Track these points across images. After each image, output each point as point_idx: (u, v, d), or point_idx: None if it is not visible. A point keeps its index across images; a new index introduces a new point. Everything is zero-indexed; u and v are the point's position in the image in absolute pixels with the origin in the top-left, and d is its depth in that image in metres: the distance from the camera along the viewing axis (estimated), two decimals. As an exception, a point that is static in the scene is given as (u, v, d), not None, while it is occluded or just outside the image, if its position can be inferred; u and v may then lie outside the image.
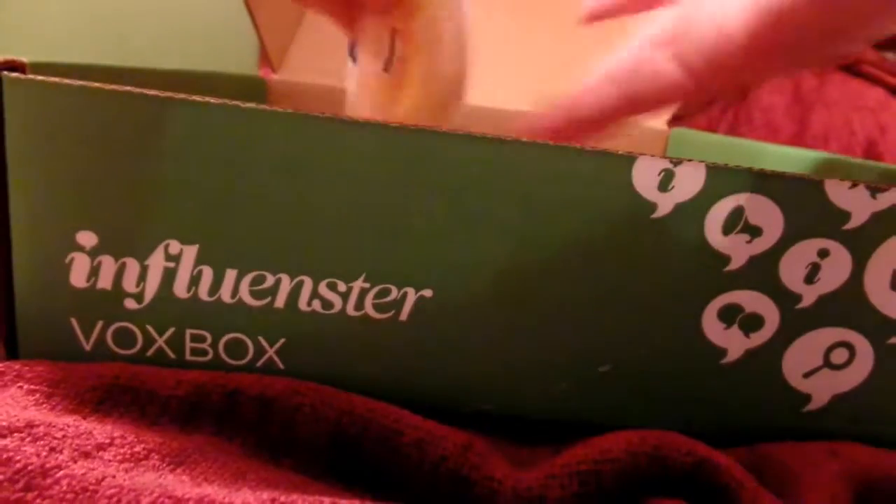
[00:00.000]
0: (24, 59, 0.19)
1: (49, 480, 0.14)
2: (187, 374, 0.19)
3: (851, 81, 0.59)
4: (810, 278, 0.20)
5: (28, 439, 0.15)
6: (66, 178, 0.18)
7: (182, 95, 0.18)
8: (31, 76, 0.18)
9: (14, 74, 0.17)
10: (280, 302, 0.20)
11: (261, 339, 0.20)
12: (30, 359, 0.19)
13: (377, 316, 0.20)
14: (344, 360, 0.20)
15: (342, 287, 0.20)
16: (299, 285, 0.20)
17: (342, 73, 0.39)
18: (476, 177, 0.19)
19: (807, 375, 0.21)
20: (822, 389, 0.21)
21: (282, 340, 0.20)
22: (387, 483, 0.19)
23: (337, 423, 0.19)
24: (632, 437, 0.18)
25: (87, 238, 0.19)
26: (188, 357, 0.20)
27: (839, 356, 0.21)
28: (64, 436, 0.16)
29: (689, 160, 0.19)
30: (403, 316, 0.20)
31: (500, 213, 0.19)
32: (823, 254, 0.20)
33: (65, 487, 0.14)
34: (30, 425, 0.16)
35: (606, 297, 0.20)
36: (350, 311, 0.20)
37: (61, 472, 0.14)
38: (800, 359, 0.21)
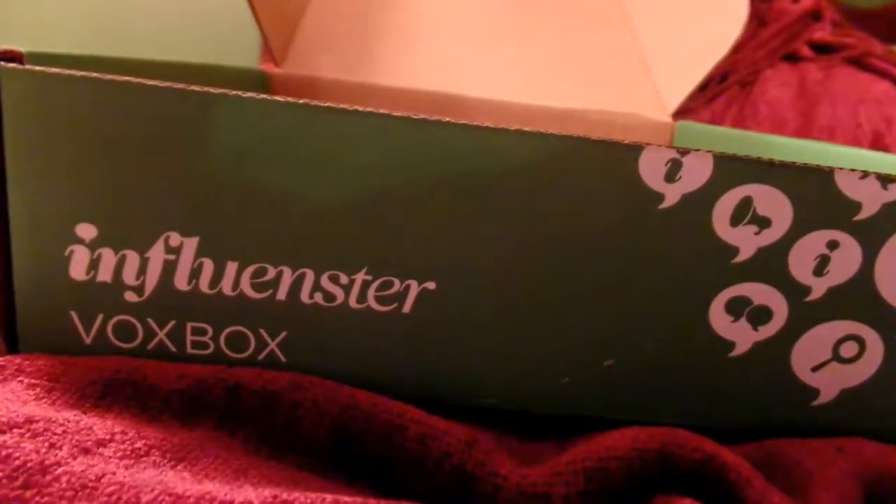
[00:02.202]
0: (22, 49, 0.19)
1: (48, 477, 0.14)
2: (189, 368, 0.19)
3: (858, 74, 0.58)
4: (819, 270, 0.20)
5: (27, 435, 0.15)
6: (65, 169, 0.18)
7: (182, 85, 0.18)
8: (28, 66, 0.17)
9: (11, 65, 0.17)
10: (282, 294, 0.19)
11: (262, 332, 0.20)
12: (30, 352, 0.19)
13: (380, 309, 0.20)
14: (346, 354, 0.20)
15: (344, 279, 0.19)
16: (301, 278, 0.19)
17: (347, 68, 0.39)
18: (479, 168, 0.19)
19: (815, 369, 0.21)
20: (831, 383, 0.21)
21: (283, 333, 0.20)
22: (389, 478, 0.18)
23: (339, 418, 0.18)
24: (638, 434, 0.18)
25: (86, 230, 0.18)
26: (189, 350, 0.20)
27: (848, 350, 0.21)
28: (64, 431, 0.15)
29: (697, 150, 0.19)
30: (406, 308, 0.20)
31: (503, 205, 0.19)
32: (833, 245, 0.20)
33: (64, 485, 0.14)
34: (29, 421, 0.15)
35: (611, 290, 0.20)
36: (352, 303, 0.20)
37: (61, 469, 0.14)
38: (808, 352, 0.21)
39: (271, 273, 0.19)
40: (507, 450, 0.19)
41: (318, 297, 0.20)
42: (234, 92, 0.18)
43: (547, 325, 0.20)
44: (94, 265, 0.19)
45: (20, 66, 0.17)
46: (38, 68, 0.17)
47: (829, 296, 0.20)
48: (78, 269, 0.19)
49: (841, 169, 0.19)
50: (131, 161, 0.18)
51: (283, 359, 0.20)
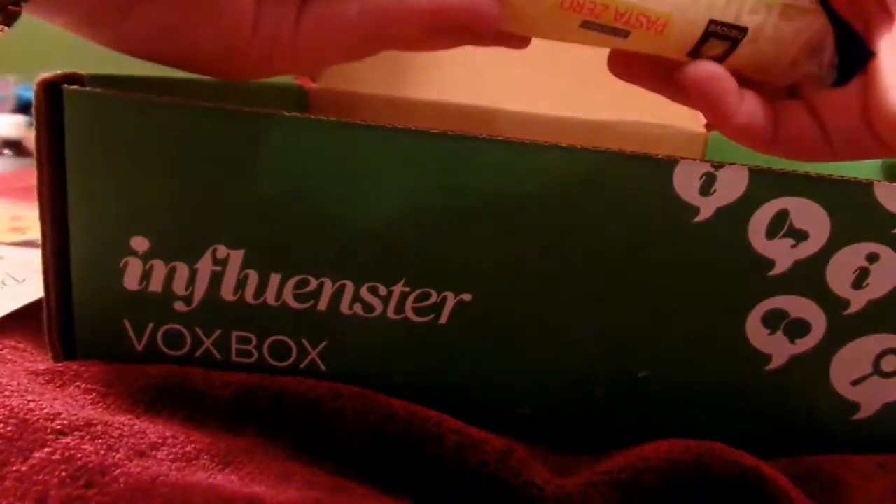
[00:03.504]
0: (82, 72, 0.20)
1: (108, 478, 0.15)
2: (234, 376, 0.20)
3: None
4: (859, 283, 0.20)
5: (87, 437, 0.16)
6: (121, 185, 0.19)
7: (231, 106, 0.18)
8: (89, 89, 0.18)
9: (73, 87, 0.18)
10: (323, 305, 0.20)
11: (304, 341, 0.21)
12: (86, 358, 0.20)
13: (417, 319, 0.20)
14: (384, 363, 0.21)
15: (383, 291, 0.20)
16: (341, 289, 0.20)
17: (380, 82, 0.40)
18: (516, 182, 0.19)
19: (855, 383, 0.21)
20: (872, 398, 0.21)
21: (324, 343, 0.21)
22: (427, 487, 0.19)
23: (378, 427, 0.19)
24: (674, 447, 0.18)
25: (139, 243, 0.19)
26: (234, 358, 0.21)
27: (890, 363, 0.21)
28: (120, 435, 0.16)
29: (731, 164, 0.19)
30: (443, 319, 0.20)
31: (540, 219, 0.19)
32: (873, 258, 0.20)
33: (122, 485, 0.15)
34: (88, 424, 0.16)
35: (646, 302, 0.20)
36: (391, 314, 0.20)
37: (119, 471, 0.15)
38: (848, 366, 0.21)
39: (313, 284, 0.20)
40: (542, 460, 0.19)
41: (358, 308, 0.20)
42: (278, 111, 0.18)
43: (581, 336, 0.20)
44: (146, 276, 0.20)
45: (82, 89, 0.18)
46: (97, 90, 0.18)
47: (869, 309, 0.20)
48: (131, 280, 0.20)
49: (880, 181, 0.19)
50: (183, 177, 0.19)
51: (323, 367, 0.21)
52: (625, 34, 0.20)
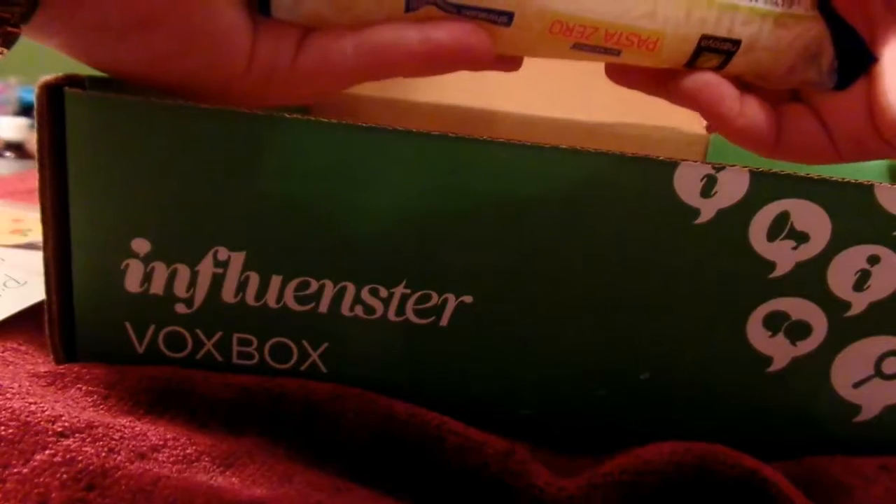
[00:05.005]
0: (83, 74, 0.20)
1: (109, 480, 0.15)
2: (235, 378, 0.20)
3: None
4: (860, 285, 0.20)
5: (88, 440, 0.16)
6: (122, 187, 0.19)
7: (231, 108, 0.18)
8: (90, 91, 0.18)
9: (75, 90, 0.18)
10: (323, 307, 0.20)
11: (305, 343, 0.21)
12: (87, 360, 0.20)
13: (418, 321, 0.20)
14: (385, 365, 0.21)
15: (384, 293, 0.20)
16: (342, 291, 0.20)
17: (380, 83, 0.40)
18: (516, 184, 0.19)
19: (857, 385, 0.21)
20: (873, 400, 0.21)
21: (325, 345, 0.21)
22: (428, 488, 0.19)
23: (379, 429, 0.19)
24: (676, 448, 0.18)
25: (141, 245, 0.19)
26: (235, 360, 0.21)
27: (891, 365, 0.21)
28: (121, 437, 0.16)
29: (733, 165, 0.19)
30: (444, 321, 0.20)
31: (540, 220, 0.19)
32: (874, 260, 0.20)
33: (123, 487, 0.15)
34: (90, 426, 0.16)
35: (647, 304, 0.20)
36: (391, 316, 0.20)
37: (120, 473, 0.15)
38: (849, 368, 0.20)
39: (314, 286, 0.20)
40: (543, 461, 0.19)
41: (359, 310, 0.20)
42: (278, 114, 0.18)
43: (582, 337, 0.20)
44: (147, 278, 0.20)
45: (83, 91, 0.18)
46: (99, 93, 0.18)
47: (871, 311, 0.20)
48: (133, 282, 0.20)
49: (881, 183, 0.19)
50: (184, 179, 0.19)
51: (324, 369, 0.21)
52: (616, 53, 0.20)
